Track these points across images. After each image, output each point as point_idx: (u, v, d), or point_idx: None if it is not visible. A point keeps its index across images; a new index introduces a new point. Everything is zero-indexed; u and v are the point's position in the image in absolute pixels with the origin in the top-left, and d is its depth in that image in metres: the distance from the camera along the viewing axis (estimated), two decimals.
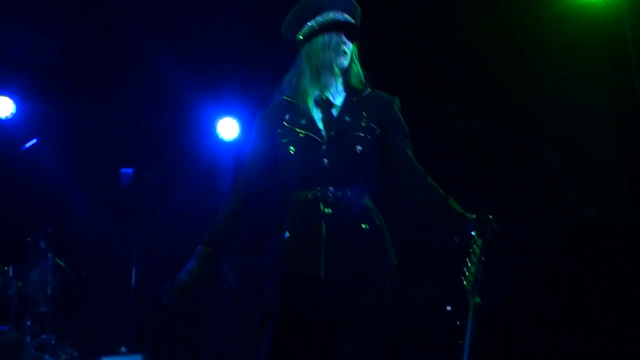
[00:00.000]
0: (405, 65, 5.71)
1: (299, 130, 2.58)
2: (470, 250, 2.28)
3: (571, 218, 5.30)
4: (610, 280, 4.98)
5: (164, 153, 6.60)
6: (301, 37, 2.69)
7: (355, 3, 2.75)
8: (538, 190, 5.42)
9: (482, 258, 2.25)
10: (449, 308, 5.38)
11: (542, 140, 5.51)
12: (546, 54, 5.48)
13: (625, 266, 4.94)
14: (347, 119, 2.59)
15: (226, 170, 6.57)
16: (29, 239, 6.17)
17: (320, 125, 2.58)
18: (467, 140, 5.51)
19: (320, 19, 2.65)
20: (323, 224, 2.46)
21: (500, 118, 5.42)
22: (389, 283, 2.53)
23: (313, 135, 2.55)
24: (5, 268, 5.99)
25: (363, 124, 2.58)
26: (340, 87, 2.69)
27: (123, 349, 5.82)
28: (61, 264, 6.27)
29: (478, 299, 2.24)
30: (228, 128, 6.68)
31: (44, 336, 5.97)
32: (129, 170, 6.21)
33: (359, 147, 2.55)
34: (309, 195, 2.51)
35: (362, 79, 2.71)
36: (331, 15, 2.65)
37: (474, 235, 2.29)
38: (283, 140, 2.59)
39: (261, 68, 5.61)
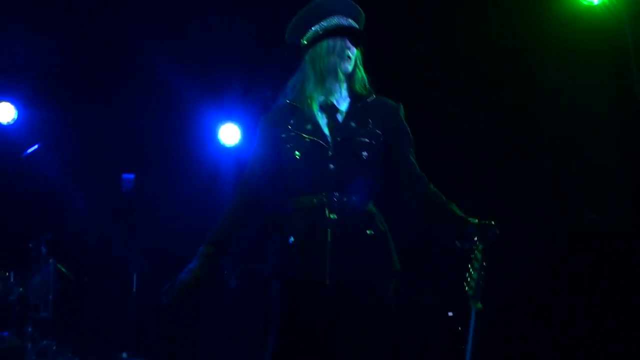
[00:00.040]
0: (405, 67, 5.71)
1: (304, 135, 2.57)
2: (472, 256, 2.28)
3: (572, 224, 5.29)
4: (612, 286, 4.97)
5: (166, 158, 6.61)
6: (305, 42, 2.69)
7: (359, 8, 2.75)
8: (539, 196, 5.41)
9: (484, 264, 2.25)
10: (450, 314, 5.37)
11: (543, 145, 5.51)
12: (547, 59, 5.48)
13: (626, 273, 4.93)
14: (353, 124, 2.60)
15: (227, 176, 6.58)
16: (30, 245, 6.17)
17: (326, 131, 2.58)
18: (467, 145, 5.51)
19: (324, 24, 2.66)
20: (328, 229, 2.46)
21: (500, 123, 5.43)
22: (392, 289, 2.54)
23: (319, 141, 2.55)
24: (7, 274, 5.99)
25: (369, 129, 2.59)
26: (344, 92, 2.69)
27: (124, 355, 5.82)
28: (62, 269, 6.26)
29: (480, 305, 2.24)
30: (229, 134, 6.68)
31: (45, 342, 5.96)
32: (131, 176, 6.22)
33: (364, 153, 2.55)
34: (314, 200, 2.51)
35: (367, 84, 2.71)
36: (335, 20, 2.66)
37: (475, 241, 2.29)
38: (288, 145, 2.59)
39: (262, 74, 5.62)
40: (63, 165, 6.45)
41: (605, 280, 5.00)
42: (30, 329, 5.95)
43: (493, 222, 2.31)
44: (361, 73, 2.72)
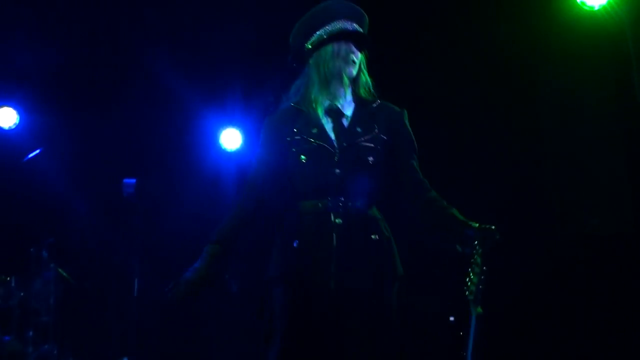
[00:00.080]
0: (407, 71, 5.72)
1: (310, 139, 2.58)
2: (472, 260, 2.28)
3: (574, 228, 5.29)
4: (614, 291, 4.96)
5: (167, 163, 6.60)
6: (310, 46, 2.70)
7: (363, 12, 2.76)
8: (540, 200, 5.41)
9: (484, 268, 2.24)
10: (452, 319, 5.36)
11: (544, 150, 5.50)
12: (549, 64, 5.49)
13: (628, 277, 4.92)
14: (359, 129, 2.60)
15: (229, 181, 6.57)
16: (31, 249, 6.15)
17: (332, 135, 2.59)
18: (469, 150, 5.51)
19: (329, 28, 2.66)
20: (334, 234, 2.46)
21: (502, 127, 5.43)
22: (396, 293, 2.54)
23: (325, 145, 2.56)
24: (8, 278, 5.97)
25: (374, 135, 2.60)
26: (349, 97, 2.69)
27: None
28: (64, 274, 6.25)
29: (480, 309, 2.23)
30: (231, 138, 6.67)
31: (46, 347, 5.94)
32: (132, 181, 6.20)
33: (370, 158, 2.56)
34: (320, 205, 2.51)
35: (371, 89, 2.72)
36: (340, 24, 2.66)
37: (476, 245, 2.29)
38: (293, 149, 2.59)
39: (264, 78, 5.62)
40: (64, 170, 6.44)
41: (607, 285, 4.99)
42: (31, 334, 5.93)
43: (494, 227, 2.31)
44: (365, 77, 2.73)
